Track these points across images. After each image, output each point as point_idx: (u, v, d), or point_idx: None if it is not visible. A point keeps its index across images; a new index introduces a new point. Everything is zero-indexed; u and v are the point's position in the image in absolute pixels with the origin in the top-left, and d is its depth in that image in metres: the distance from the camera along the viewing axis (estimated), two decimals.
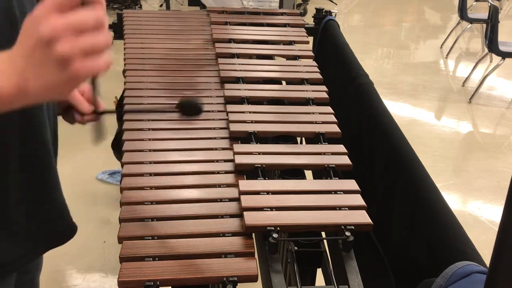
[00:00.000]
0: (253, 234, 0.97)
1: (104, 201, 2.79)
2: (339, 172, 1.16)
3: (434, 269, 0.92)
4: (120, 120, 1.32)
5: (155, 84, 1.47)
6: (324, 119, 1.34)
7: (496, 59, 4.64)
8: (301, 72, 1.60)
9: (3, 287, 0.97)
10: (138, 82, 1.47)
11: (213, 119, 1.33)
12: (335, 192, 1.06)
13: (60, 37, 0.59)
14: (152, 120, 1.30)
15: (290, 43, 1.78)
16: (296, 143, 1.39)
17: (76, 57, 0.60)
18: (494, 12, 4.23)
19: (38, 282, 1.16)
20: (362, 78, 1.64)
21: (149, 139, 1.23)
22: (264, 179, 1.10)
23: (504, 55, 4.37)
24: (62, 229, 1.05)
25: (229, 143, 1.23)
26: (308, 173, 1.26)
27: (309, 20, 2.14)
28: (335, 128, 1.31)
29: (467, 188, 3.17)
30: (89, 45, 0.61)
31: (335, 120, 1.35)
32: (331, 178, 1.13)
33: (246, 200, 1.00)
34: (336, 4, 7.40)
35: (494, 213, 2.90)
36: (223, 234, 0.94)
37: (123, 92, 1.43)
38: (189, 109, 0.92)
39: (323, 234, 1.07)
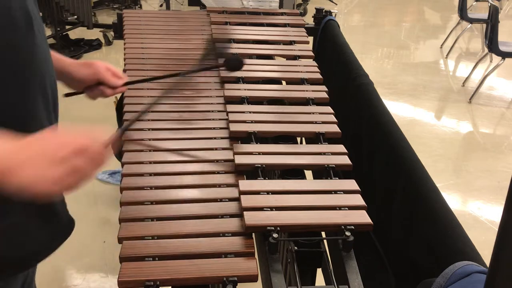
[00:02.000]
0: (253, 234, 0.97)
1: (104, 201, 2.79)
2: (339, 172, 1.16)
3: (434, 269, 0.92)
4: (120, 120, 1.32)
5: (155, 84, 1.47)
6: (324, 119, 1.34)
7: (496, 59, 4.64)
8: (301, 72, 1.60)
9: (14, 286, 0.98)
10: None
11: (213, 119, 1.33)
12: (335, 192, 1.06)
13: (87, 158, 0.78)
14: (152, 120, 1.31)
15: (290, 43, 1.78)
16: (296, 143, 1.39)
17: (80, 177, 0.79)
18: (494, 12, 4.23)
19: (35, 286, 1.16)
20: (362, 78, 1.64)
21: (149, 139, 1.23)
22: (264, 179, 1.10)
23: (504, 55, 4.36)
24: (67, 221, 1.06)
25: (229, 143, 1.23)
26: (308, 173, 1.26)
27: (309, 20, 2.14)
28: (335, 128, 1.31)
29: (467, 188, 3.17)
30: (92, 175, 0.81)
31: (335, 120, 1.35)
32: (331, 178, 1.13)
33: (246, 200, 1.00)
34: (336, 4, 7.40)
35: (494, 213, 2.90)
36: (223, 234, 0.94)
37: (123, 92, 1.43)
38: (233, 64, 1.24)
39: (323, 234, 1.07)
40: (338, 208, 1.01)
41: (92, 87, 1.22)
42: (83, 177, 0.80)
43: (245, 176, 1.12)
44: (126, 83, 1.26)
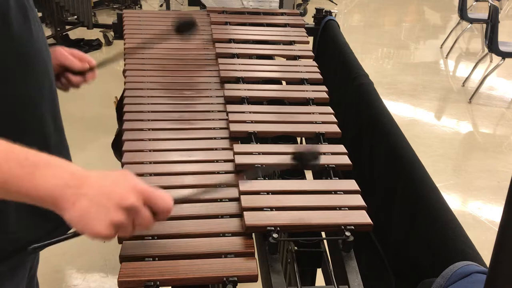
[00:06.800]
0: (253, 234, 0.97)
1: None
2: (339, 172, 1.16)
3: (434, 269, 0.92)
4: (120, 120, 1.32)
5: (155, 84, 1.47)
6: (324, 119, 1.34)
7: (496, 59, 4.64)
8: (301, 72, 1.60)
9: (22, 273, 0.98)
10: (138, 82, 1.47)
11: (213, 119, 1.33)
12: (335, 192, 1.06)
13: (130, 214, 0.71)
14: (152, 120, 1.31)
15: (290, 43, 1.78)
16: (296, 143, 1.39)
17: (122, 232, 0.72)
18: (494, 12, 4.23)
19: (37, 279, 1.17)
20: (362, 78, 1.64)
21: (149, 139, 1.23)
22: (264, 179, 1.10)
23: (504, 55, 4.36)
24: None
25: (229, 143, 1.23)
26: (308, 173, 1.26)
27: (309, 20, 2.14)
28: (335, 128, 1.31)
29: (467, 188, 3.17)
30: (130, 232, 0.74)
31: (335, 120, 1.35)
32: (331, 178, 1.13)
33: (246, 200, 1.00)
34: (336, 4, 7.40)
35: (494, 213, 2.89)
36: (223, 234, 0.94)
37: (123, 92, 1.43)
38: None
39: (323, 234, 1.07)
40: (338, 208, 1.01)
41: (59, 76, 1.11)
42: (141, 228, 0.74)
43: (245, 176, 1.12)
44: (91, 68, 1.12)
